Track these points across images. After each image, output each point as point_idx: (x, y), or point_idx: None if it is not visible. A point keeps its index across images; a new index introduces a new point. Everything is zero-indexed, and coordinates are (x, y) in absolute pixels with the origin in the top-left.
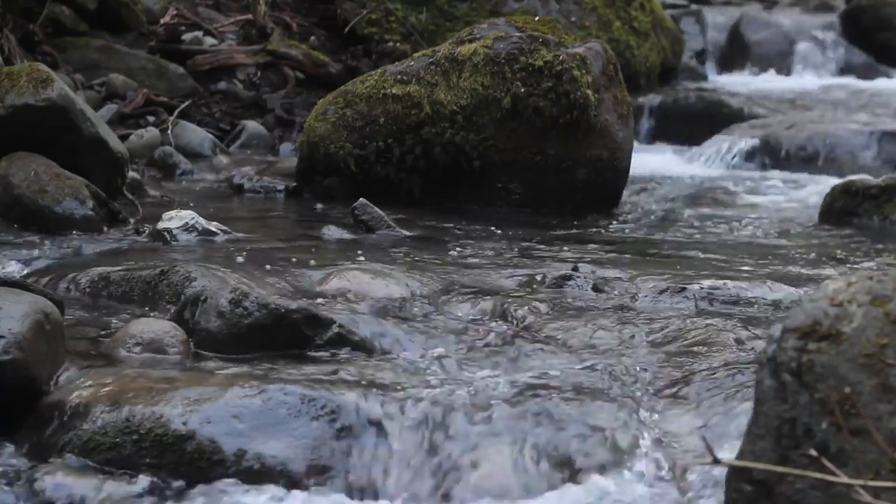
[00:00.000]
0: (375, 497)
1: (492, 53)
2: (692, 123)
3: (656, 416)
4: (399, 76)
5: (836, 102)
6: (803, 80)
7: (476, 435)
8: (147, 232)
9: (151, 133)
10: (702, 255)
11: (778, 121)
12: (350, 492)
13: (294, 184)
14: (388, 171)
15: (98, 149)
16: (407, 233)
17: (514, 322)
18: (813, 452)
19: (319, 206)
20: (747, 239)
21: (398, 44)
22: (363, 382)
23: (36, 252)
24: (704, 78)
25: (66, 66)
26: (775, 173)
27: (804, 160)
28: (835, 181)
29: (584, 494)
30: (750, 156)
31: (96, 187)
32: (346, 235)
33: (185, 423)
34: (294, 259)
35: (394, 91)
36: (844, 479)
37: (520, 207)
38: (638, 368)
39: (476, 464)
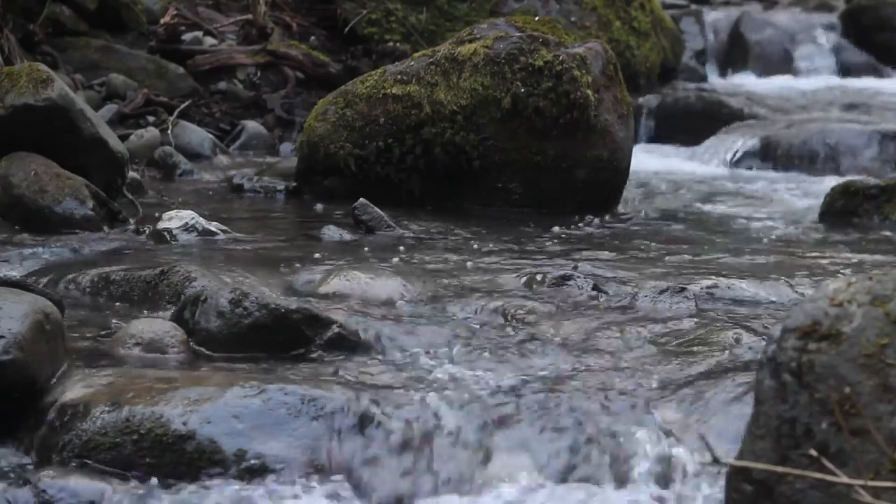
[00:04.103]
0: (375, 497)
1: (492, 53)
2: (692, 123)
3: (656, 415)
4: (399, 76)
5: (836, 102)
6: (803, 80)
7: (476, 434)
8: (147, 232)
9: (151, 133)
10: (702, 255)
11: (778, 121)
12: (350, 492)
13: (294, 184)
14: (388, 171)
15: (98, 149)
16: (407, 233)
17: (514, 322)
18: (813, 452)
19: (319, 206)
20: (747, 239)
21: (398, 44)
22: (363, 382)
23: (36, 252)
24: (704, 78)
25: (66, 66)
26: (775, 173)
27: (804, 160)
28: (835, 181)
29: (584, 494)
30: (750, 156)
31: (96, 187)
32: (346, 235)
33: (185, 423)
34: (294, 259)
35: (394, 91)
36: (844, 479)
37: (520, 207)
38: (638, 368)
39: (476, 463)
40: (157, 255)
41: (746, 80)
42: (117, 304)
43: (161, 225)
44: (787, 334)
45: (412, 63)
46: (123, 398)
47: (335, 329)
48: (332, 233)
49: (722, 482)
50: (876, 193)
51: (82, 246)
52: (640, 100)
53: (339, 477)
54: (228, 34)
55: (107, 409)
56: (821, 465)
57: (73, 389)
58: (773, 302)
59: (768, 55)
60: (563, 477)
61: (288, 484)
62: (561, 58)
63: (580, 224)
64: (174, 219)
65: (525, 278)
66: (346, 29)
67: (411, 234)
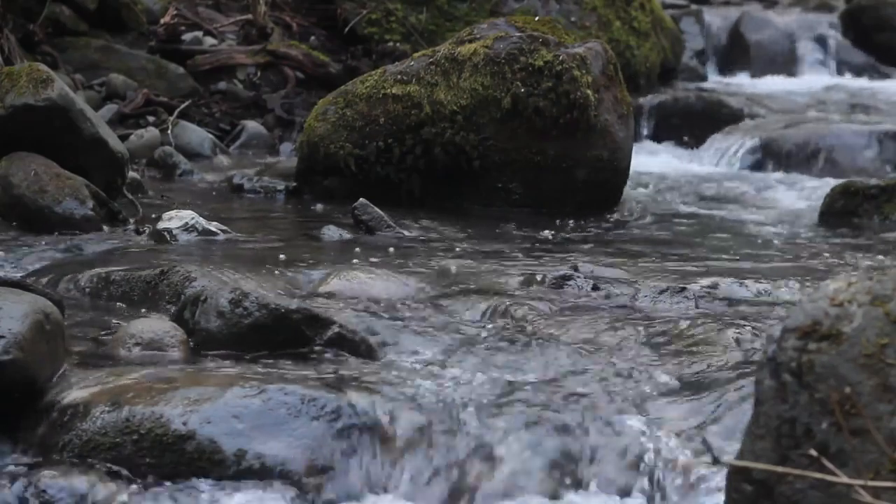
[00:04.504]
0: (375, 497)
1: (492, 53)
2: (692, 123)
3: (656, 416)
4: (399, 76)
5: (836, 102)
6: (803, 80)
7: (476, 435)
8: (147, 232)
9: (151, 133)
10: (702, 255)
11: (778, 121)
12: (350, 492)
13: (294, 184)
14: (388, 171)
15: (98, 149)
16: (407, 233)
17: (515, 322)
18: (813, 452)
19: (319, 206)
20: (747, 239)
21: (398, 44)
22: (363, 382)
23: (36, 252)
24: (704, 78)
25: (66, 66)
26: (775, 173)
27: (804, 160)
28: (835, 181)
29: (584, 495)
30: (750, 156)
31: (96, 187)
32: (346, 235)
33: (185, 423)
34: (294, 259)
35: (394, 91)
36: (844, 479)
37: (520, 207)
38: (638, 368)
39: (475, 464)
40: (157, 255)
41: (746, 80)
42: (117, 304)
43: (161, 225)
44: (787, 334)
45: (412, 63)
46: (123, 398)
47: (335, 329)
48: (332, 233)
49: (722, 482)
50: (876, 193)
51: (82, 246)
52: (640, 100)
53: (338, 477)
54: (228, 34)
55: (107, 409)
56: (821, 465)
57: (73, 389)
58: (773, 302)
59: (768, 55)
60: (562, 479)
61: (288, 484)
62: (561, 58)
63: (580, 224)
64: (174, 219)
65: (525, 278)
66: (346, 29)
67: (411, 234)
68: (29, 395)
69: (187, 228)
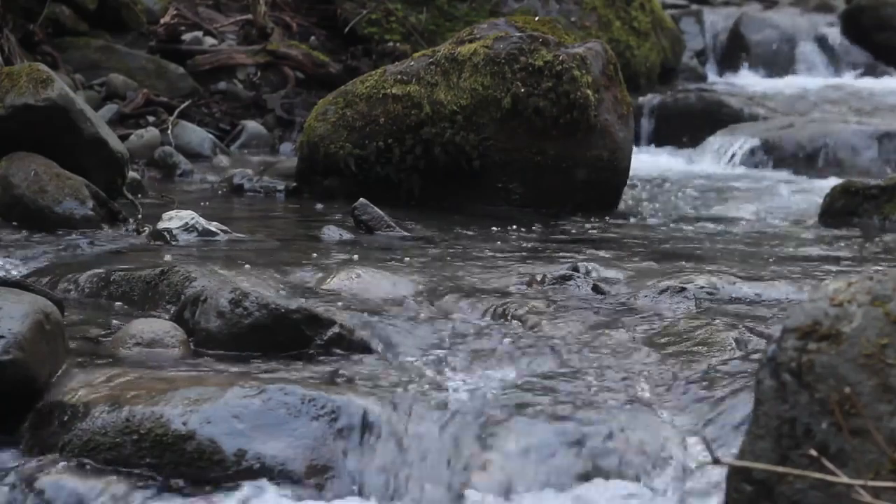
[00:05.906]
0: (375, 497)
1: (492, 53)
2: (692, 123)
3: (656, 416)
4: (399, 76)
5: (836, 102)
6: (803, 80)
7: (476, 435)
8: (147, 232)
9: (151, 133)
10: (702, 255)
11: (778, 121)
12: (350, 492)
13: (294, 184)
14: (388, 171)
15: (98, 149)
16: (407, 233)
17: (514, 322)
18: (813, 452)
19: (319, 206)
20: (747, 238)
21: (398, 44)
22: (363, 382)
23: (36, 252)
24: (704, 78)
25: (66, 66)
26: (775, 173)
27: (804, 160)
28: (835, 181)
29: (584, 495)
30: (750, 156)
31: (96, 187)
32: (346, 235)
33: (185, 423)
34: (294, 259)
35: (394, 91)
36: (844, 479)
37: (520, 207)
38: (637, 368)
39: (475, 464)
40: (157, 255)
41: (746, 80)
42: (117, 304)
43: (161, 225)
44: (787, 334)
45: (412, 63)
46: (123, 398)
47: (335, 329)
48: (332, 233)
49: (721, 482)
50: (876, 193)
51: (82, 246)
52: (640, 100)
53: (338, 477)
54: (228, 34)
55: (107, 409)
56: (821, 465)
57: (74, 389)
58: (773, 302)
59: (768, 55)
60: (561, 478)
61: (288, 484)
62: (561, 58)
63: (580, 224)
64: (174, 219)
65: (525, 278)
66: (346, 29)
67: (411, 234)
68: (29, 395)
69: (187, 228)
